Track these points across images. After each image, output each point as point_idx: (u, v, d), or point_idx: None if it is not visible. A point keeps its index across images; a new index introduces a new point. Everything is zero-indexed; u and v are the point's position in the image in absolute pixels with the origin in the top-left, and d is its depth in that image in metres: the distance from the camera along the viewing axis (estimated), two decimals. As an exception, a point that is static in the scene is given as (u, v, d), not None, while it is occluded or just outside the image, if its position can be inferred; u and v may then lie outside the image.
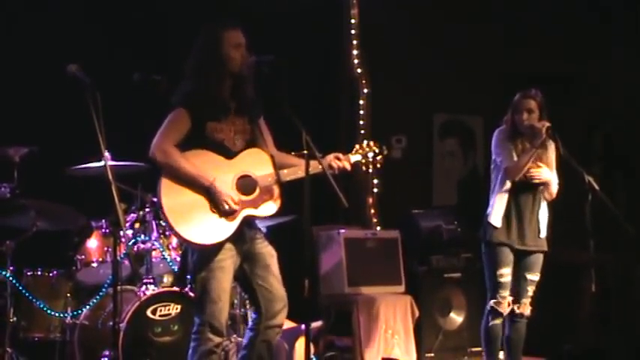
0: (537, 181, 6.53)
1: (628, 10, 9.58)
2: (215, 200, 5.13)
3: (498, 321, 6.59)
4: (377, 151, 5.64)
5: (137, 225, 6.66)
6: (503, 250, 6.52)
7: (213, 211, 5.14)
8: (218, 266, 5.15)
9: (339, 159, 5.43)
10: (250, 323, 5.40)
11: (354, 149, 5.62)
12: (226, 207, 5.13)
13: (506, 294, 6.54)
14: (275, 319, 5.34)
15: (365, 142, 5.67)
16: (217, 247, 5.15)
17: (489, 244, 6.57)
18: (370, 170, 5.69)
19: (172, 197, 5.09)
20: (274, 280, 5.35)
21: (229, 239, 5.17)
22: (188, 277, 5.46)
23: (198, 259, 5.18)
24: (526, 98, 6.55)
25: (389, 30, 9.20)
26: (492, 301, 6.56)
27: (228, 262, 5.19)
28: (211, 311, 5.14)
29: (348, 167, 5.49)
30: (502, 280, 6.52)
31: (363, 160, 5.61)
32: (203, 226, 5.11)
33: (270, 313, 5.32)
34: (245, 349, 5.39)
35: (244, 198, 5.23)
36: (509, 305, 6.56)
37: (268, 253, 5.39)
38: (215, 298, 5.14)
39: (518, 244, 6.54)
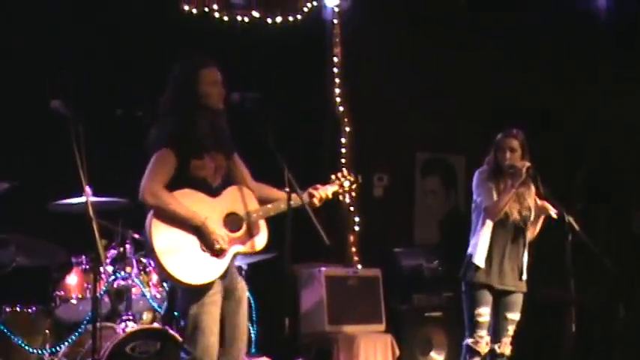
0: (554, 213, 6.47)
1: (613, 44, 9.65)
2: (206, 240, 5.15)
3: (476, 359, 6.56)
4: (352, 179, 5.71)
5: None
6: (483, 290, 6.51)
7: (204, 250, 5.15)
8: (210, 301, 5.16)
9: (316, 189, 5.50)
10: None
11: (331, 180, 5.69)
12: (217, 247, 5.15)
13: (483, 333, 6.51)
14: (236, 357, 5.33)
15: (340, 173, 5.73)
16: (208, 285, 5.14)
17: (470, 284, 6.56)
18: (347, 199, 5.75)
19: (163, 240, 5.08)
20: (242, 315, 5.37)
21: (221, 277, 5.17)
22: (176, 314, 5.46)
23: (189, 295, 5.17)
24: (508, 137, 6.58)
25: (371, 68, 9.25)
26: (469, 340, 6.53)
27: (218, 296, 5.20)
28: (204, 345, 5.13)
29: (330, 195, 5.61)
30: (480, 319, 6.50)
31: (340, 190, 5.69)
32: (194, 266, 5.11)
33: (233, 351, 5.32)
34: None
35: (232, 235, 5.25)
36: (487, 345, 6.53)
37: (242, 288, 5.42)
38: (208, 333, 5.14)
39: (498, 283, 6.52)
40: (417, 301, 8.54)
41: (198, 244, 5.15)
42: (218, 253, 5.18)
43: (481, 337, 6.50)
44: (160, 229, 5.09)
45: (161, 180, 5.12)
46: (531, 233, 6.64)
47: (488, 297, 6.51)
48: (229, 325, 5.30)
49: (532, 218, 6.59)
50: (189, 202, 5.17)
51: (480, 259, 6.49)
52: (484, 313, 6.50)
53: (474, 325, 6.52)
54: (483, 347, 6.51)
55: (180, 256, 5.09)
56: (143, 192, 5.10)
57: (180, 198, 5.14)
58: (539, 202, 6.56)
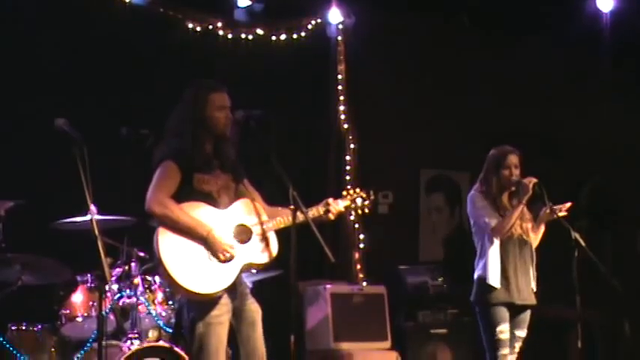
0: (562, 213, 6.45)
1: (613, 62, 9.65)
2: (213, 249, 5.15)
3: None
4: (364, 196, 5.70)
5: (136, 282, 6.62)
6: (501, 308, 6.43)
7: (212, 260, 5.15)
8: (216, 321, 5.16)
9: (329, 204, 5.50)
10: None
11: (343, 195, 5.69)
12: (223, 257, 5.15)
13: (506, 352, 6.41)
14: None
15: (352, 189, 5.73)
16: (215, 302, 5.15)
17: (487, 305, 6.44)
18: (359, 213, 5.75)
19: (170, 248, 5.11)
20: (257, 338, 5.37)
21: (228, 289, 5.16)
22: (183, 332, 5.47)
23: (195, 314, 5.17)
24: (512, 154, 6.55)
25: (376, 86, 9.26)
26: None
27: (225, 317, 5.20)
28: None
29: (342, 209, 5.60)
30: (502, 337, 6.40)
31: (352, 205, 5.68)
32: (203, 276, 5.12)
33: None
34: None
35: (241, 246, 5.24)
36: None
37: (255, 309, 5.41)
38: (214, 353, 5.15)
39: (518, 299, 6.45)
40: (422, 318, 8.53)
41: (206, 252, 5.16)
42: (226, 263, 5.17)
43: (504, 355, 6.41)
44: (167, 238, 5.12)
45: (167, 190, 5.17)
46: (533, 242, 6.61)
47: (506, 314, 6.43)
48: (244, 350, 5.31)
49: (531, 226, 6.59)
50: (197, 213, 5.20)
51: (494, 279, 6.41)
52: (505, 330, 6.42)
53: (497, 344, 6.41)
54: None
55: (187, 264, 5.11)
56: (149, 201, 5.14)
57: (187, 209, 5.17)
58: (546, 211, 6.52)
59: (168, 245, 5.11)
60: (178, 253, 5.11)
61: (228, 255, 5.17)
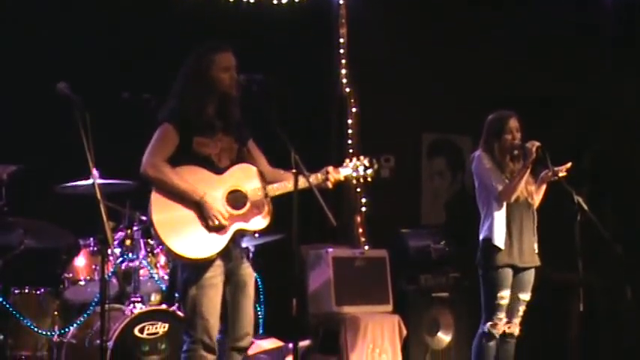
0: (562, 174, 6.47)
1: (616, 29, 9.62)
2: (205, 215, 5.14)
3: (492, 343, 6.53)
4: (367, 164, 5.67)
5: (128, 243, 6.64)
6: (506, 271, 6.47)
7: (204, 225, 5.15)
8: (209, 283, 5.15)
9: (328, 172, 5.47)
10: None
11: (345, 163, 5.65)
12: (216, 222, 5.14)
13: (502, 316, 6.49)
14: (241, 341, 5.33)
15: (355, 157, 5.70)
16: (208, 264, 5.15)
17: (492, 267, 6.48)
18: (361, 181, 5.72)
19: (162, 212, 5.10)
20: (248, 303, 5.36)
21: (220, 253, 5.17)
22: (177, 294, 5.47)
23: (188, 276, 5.17)
24: (513, 118, 6.57)
25: (377, 49, 9.22)
26: (489, 324, 6.50)
27: (218, 279, 5.19)
28: (203, 328, 5.13)
29: (341, 177, 5.56)
30: (502, 302, 6.46)
31: (354, 174, 5.64)
32: (194, 240, 5.11)
33: (237, 335, 5.31)
34: None
35: (235, 212, 5.24)
36: (504, 326, 6.51)
37: (248, 274, 5.40)
38: (207, 316, 5.14)
39: (520, 262, 6.49)
40: (424, 281, 8.54)
41: (198, 218, 5.14)
42: (217, 229, 5.17)
43: (500, 319, 6.48)
44: (161, 202, 5.10)
45: (162, 154, 5.15)
46: (535, 202, 6.63)
47: (510, 278, 6.47)
48: (233, 313, 5.29)
49: (534, 189, 6.60)
50: (192, 177, 5.17)
51: (500, 240, 6.44)
52: (506, 296, 6.46)
53: (495, 308, 6.47)
54: (500, 329, 6.49)
55: (178, 229, 5.09)
56: (144, 165, 5.13)
57: (182, 173, 5.15)
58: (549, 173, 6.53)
59: (161, 209, 5.10)
60: (171, 217, 5.10)
61: (217, 222, 5.15)
